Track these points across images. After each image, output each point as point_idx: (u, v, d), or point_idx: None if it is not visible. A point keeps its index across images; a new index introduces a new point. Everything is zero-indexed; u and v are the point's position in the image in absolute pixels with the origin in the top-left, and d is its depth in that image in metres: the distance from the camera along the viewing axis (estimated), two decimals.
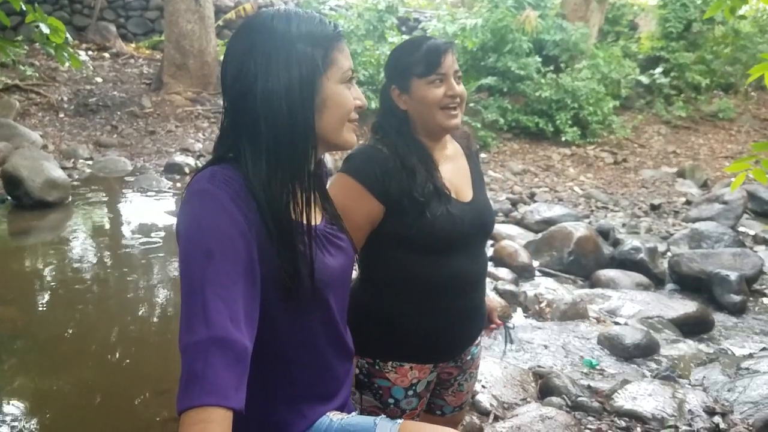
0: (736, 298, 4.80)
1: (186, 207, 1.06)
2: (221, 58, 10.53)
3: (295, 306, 1.14)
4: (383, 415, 1.29)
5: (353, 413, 1.30)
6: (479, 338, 1.83)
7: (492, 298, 2.05)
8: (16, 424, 2.97)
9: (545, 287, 5.04)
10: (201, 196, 1.05)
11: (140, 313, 4.36)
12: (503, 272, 5.10)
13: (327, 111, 1.14)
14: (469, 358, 1.80)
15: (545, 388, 3.28)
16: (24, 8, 3.44)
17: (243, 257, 1.03)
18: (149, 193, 7.29)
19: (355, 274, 1.45)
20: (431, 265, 1.60)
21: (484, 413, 2.95)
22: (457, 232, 1.60)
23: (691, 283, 5.15)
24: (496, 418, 2.91)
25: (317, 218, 1.22)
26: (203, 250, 1.00)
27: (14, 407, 3.14)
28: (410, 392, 1.67)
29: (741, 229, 6.86)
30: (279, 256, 1.09)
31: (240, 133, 1.12)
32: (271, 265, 1.09)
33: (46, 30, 3.33)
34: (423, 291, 1.62)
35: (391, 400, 1.66)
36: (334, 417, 1.24)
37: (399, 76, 1.64)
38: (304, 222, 1.13)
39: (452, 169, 1.69)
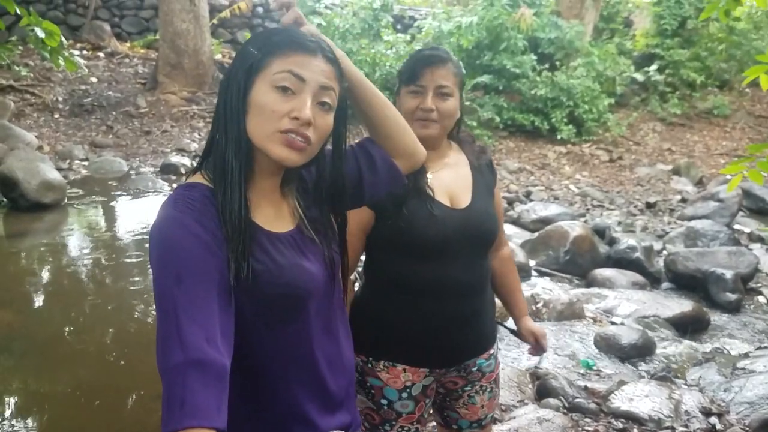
0: (732, 296, 4.82)
1: (153, 235, 1.07)
2: (216, 56, 10.42)
3: (270, 316, 1.14)
4: None
5: None
6: (492, 351, 1.80)
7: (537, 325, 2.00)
8: (12, 424, 2.98)
9: (542, 287, 5.05)
10: (167, 224, 1.06)
11: (136, 314, 4.35)
12: None
13: (250, 114, 1.12)
14: (475, 369, 1.77)
15: (542, 389, 3.29)
16: (18, 12, 3.42)
17: (214, 276, 1.04)
18: (145, 194, 7.28)
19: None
20: (417, 269, 1.62)
21: None
22: (440, 236, 1.60)
23: (687, 282, 5.17)
24: (494, 421, 2.91)
25: (286, 225, 1.21)
26: (173, 275, 1.01)
27: (11, 408, 3.14)
28: (404, 395, 1.68)
29: (736, 226, 6.88)
30: (231, 262, 1.07)
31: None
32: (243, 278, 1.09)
33: (41, 34, 3.32)
34: (410, 294, 1.64)
35: (384, 401, 1.67)
36: None
37: (397, 81, 1.73)
38: (257, 228, 1.14)
39: (450, 175, 1.70)
